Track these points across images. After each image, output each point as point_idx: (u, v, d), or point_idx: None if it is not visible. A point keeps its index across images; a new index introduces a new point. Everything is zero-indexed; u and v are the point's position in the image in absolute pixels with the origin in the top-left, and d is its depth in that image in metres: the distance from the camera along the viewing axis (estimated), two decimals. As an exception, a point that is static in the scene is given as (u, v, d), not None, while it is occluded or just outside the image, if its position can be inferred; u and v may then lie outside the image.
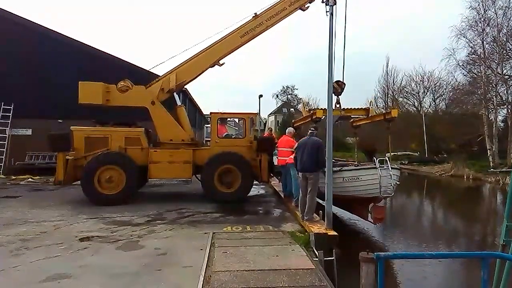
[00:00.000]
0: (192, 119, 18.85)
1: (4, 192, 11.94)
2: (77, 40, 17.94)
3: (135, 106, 10.94)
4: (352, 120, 13.26)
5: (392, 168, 9.29)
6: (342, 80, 10.81)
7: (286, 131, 10.83)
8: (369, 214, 9.51)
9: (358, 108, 12.70)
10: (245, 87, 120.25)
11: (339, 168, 9.71)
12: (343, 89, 10.95)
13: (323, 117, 10.21)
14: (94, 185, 9.92)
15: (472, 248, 10.13)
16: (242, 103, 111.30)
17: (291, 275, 5.04)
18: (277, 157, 12.60)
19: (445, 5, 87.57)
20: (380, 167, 9.14)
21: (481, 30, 30.03)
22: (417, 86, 45.28)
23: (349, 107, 12.02)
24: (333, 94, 8.55)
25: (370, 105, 12.70)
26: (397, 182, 9.52)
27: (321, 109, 11.30)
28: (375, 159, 9.51)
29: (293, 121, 14.39)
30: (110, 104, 10.79)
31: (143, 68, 16.32)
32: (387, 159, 9.54)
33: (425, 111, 43.07)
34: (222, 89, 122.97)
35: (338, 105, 10.99)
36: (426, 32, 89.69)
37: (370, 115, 12.11)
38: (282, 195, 11.41)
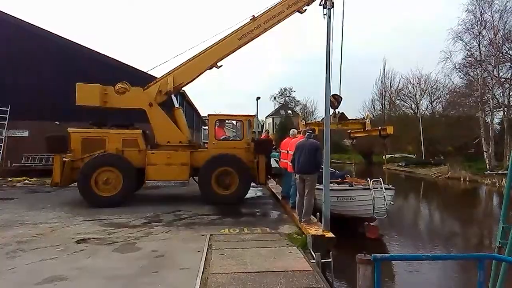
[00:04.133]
0: (189, 121, 18.82)
1: (1, 194, 11.89)
2: (74, 42, 17.92)
3: (133, 108, 10.93)
4: (349, 131, 13.53)
5: (386, 188, 9.44)
6: (339, 94, 10.95)
7: (290, 133, 10.81)
8: (364, 232, 9.68)
9: (355, 122, 12.96)
10: (243, 89, 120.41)
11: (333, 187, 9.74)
12: (340, 102, 11.14)
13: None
14: (91, 187, 9.90)
15: (468, 249, 10.16)
16: (239, 105, 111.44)
17: (288, 277, 5.04)
18: (275, 159, 12.61)
19: (442, 9, 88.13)
20: (374, 188, 9.28)
21: (477, 33, 30.24)
22: (414, 89, 45.53)
23: (346, 121, 12.27)
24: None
25: (367, 119, 12.88)
26: (391, 202, 9.71)
27: (317, 122, 11.46)
28: (369, 179, 9.69)
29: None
30: (108, 106, 10.77)
31: (141, 70, 16.30)
32: (381, 180, 9.81)
33: (422, 113, 43.23)
34: (220, 91, 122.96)
35: (335, 119, 11.20)
36: (423, 35, 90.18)
37: (366, 129, 12.41)
38: (280, 197, 11.40)
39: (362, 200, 9.42)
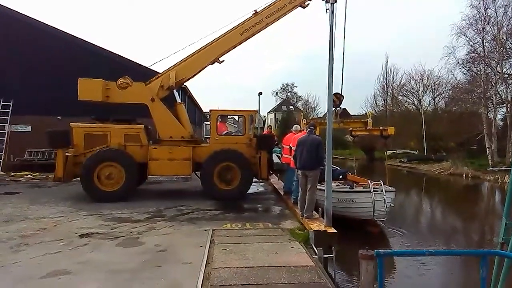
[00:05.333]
0: (191, 116, 18.84)
1: (4, 189, 11.94)
2: (77, 37, 17.88)
3: (135, 103, 10.93)
4: (351, 129, 13.63)
5: (386, 191, 9.47)
6: (340, 93, 10.96)
7: (293, 128, 10.81)
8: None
9: (356, 121, 13.06)
10: (245, 84, 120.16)
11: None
12: (342, 101, 11.17)
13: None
14: (94, 181, 9.94)
15: (471, 246, 10.16)
16: (241, 101, 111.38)
17: (291, 272, 5.06)
18: (277, 155, 12.61)
19: (446, 3, 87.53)
20: (374, 190, 9.29)
21: (481, 29, 29.95)
22: (416, 85, 45.32)
23: (348, 117, 12.32)
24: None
25: (368, 117, 12.94)
26: (391, 205, 9.76)
27: (318, 119, 11.45)
28: (369, 182, 9.70)
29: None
30: (110, 101, 10.78)
31: (143, 65, 16.29)
32: (381, 182, 9.87)
33: (425, 109, 43.10)
34: (222, 87, 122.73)
35: (337, 118, 11.22)
36: (426, 30, 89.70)
37: (368, 128, 12.48)
38: (282, 193, 11.41)
39: (362, 203, 9.51)
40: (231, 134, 12.46)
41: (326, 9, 7.57)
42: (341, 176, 11.61)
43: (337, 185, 10.20)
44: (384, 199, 9.40)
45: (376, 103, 51.93)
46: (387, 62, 50.25)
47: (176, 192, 12.00)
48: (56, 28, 17.69)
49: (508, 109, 29.93)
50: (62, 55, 16.88)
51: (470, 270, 7.64)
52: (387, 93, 50.40)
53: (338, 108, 11.65)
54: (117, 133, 10.53)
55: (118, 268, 5.18)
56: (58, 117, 15.85)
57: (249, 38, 11.49)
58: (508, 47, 29.10)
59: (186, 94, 23.24)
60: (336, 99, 10.82)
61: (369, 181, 10.07)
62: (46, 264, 5.27)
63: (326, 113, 8.02)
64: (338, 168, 12.73)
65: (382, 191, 9.52)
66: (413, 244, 9.79)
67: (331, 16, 7.46)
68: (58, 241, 6.41)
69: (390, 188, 10.03)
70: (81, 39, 17.92)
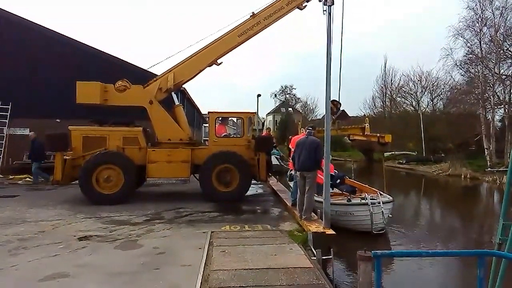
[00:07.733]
0: (190, 118, 18.84)
1: (2, 192, 11.90)
2: (75, 39, 17.87)
3: (133, 105, 10.93)
4: (349, 134, 13.71)
5: (384, 202, 9.50)
6: (338, 100, 10.98)
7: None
8: None
9: (354, 127, 13.18)
10: (243, 86, 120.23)
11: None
12: (339, 108, 11.20)
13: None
14: (92, 184, 9.92)
15: (469, 246, 10.17)
16: (240, 103, 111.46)
17: (289, 274, 5.06)
18: (276, 157, 12.63)
19: (443, 5, 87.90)
20: (371, 203, 9.32)
21: (478, 30, 30.09)
22: (415, 86, 45.42)
23: (347, 118, 12.35)
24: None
25: (366, 123, 12.97)
26: (390, 215, 9.78)
27: (317, 120, 11.43)
28: (366, 195, 9.74)
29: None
30: (108, 103, 10.79)
31: (141, 68, 16.30)
32: (379, 193, 9.91)
33: (423, 110, 43.15)
34: (220, 89, 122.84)
35: (334, 124, 11.24)
36: (424, 32, 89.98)
37: (366, 134, 12.54)
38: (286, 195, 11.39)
39: (360, 216, 9.47)
40: (230, 136, 12.46)
41: (324, 11, 7.63)
42: (338, 180, 11.60)
43: (333, 192, 10.09)
44: (382, 212, 9.38)
45: (374, 105, 52.13)
46: (385, 63, 50.53)
47: (175, 194, 11.99)
48: (54, 31, 17.66)
49: (506, 110, 30.02)
50: (60, 58, 16.86)
51: (468, 270, 7.63)
52: (385, 95, 50.55)
53: (339, 110, 11.68)
54: (116, 135, 10.53)
55: (116, 271, 5.17)
56: (57, 120, 15.83)
57: (247, 40, 11.52)
58: (505, 48, 29.22)
59: (185, 96, 23.25)
60: (333, 106, 10.88)
61: (366, 193, 10.03)
62: (44, 267, 5.26)
63: (324, 115, 8.05)
64: (336, 171, 12.72)
65: (379, 202, 9.49)
66: (412, 244, 9.79)
67: (328, 18, 7.50)
68: (56, 244, 6.40)
69: (388, 198, 9.97)
70: (79, 41, 17.90)
